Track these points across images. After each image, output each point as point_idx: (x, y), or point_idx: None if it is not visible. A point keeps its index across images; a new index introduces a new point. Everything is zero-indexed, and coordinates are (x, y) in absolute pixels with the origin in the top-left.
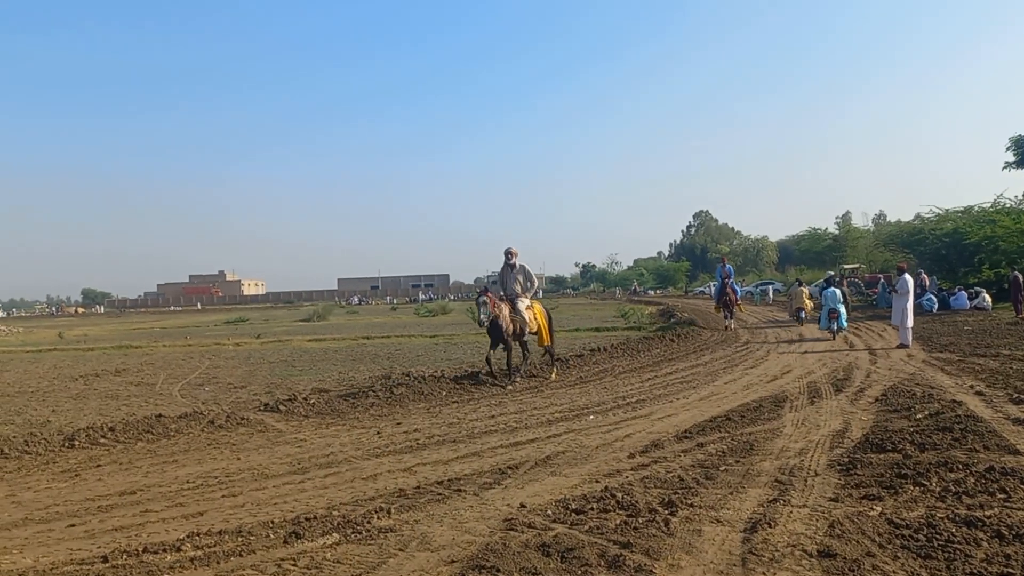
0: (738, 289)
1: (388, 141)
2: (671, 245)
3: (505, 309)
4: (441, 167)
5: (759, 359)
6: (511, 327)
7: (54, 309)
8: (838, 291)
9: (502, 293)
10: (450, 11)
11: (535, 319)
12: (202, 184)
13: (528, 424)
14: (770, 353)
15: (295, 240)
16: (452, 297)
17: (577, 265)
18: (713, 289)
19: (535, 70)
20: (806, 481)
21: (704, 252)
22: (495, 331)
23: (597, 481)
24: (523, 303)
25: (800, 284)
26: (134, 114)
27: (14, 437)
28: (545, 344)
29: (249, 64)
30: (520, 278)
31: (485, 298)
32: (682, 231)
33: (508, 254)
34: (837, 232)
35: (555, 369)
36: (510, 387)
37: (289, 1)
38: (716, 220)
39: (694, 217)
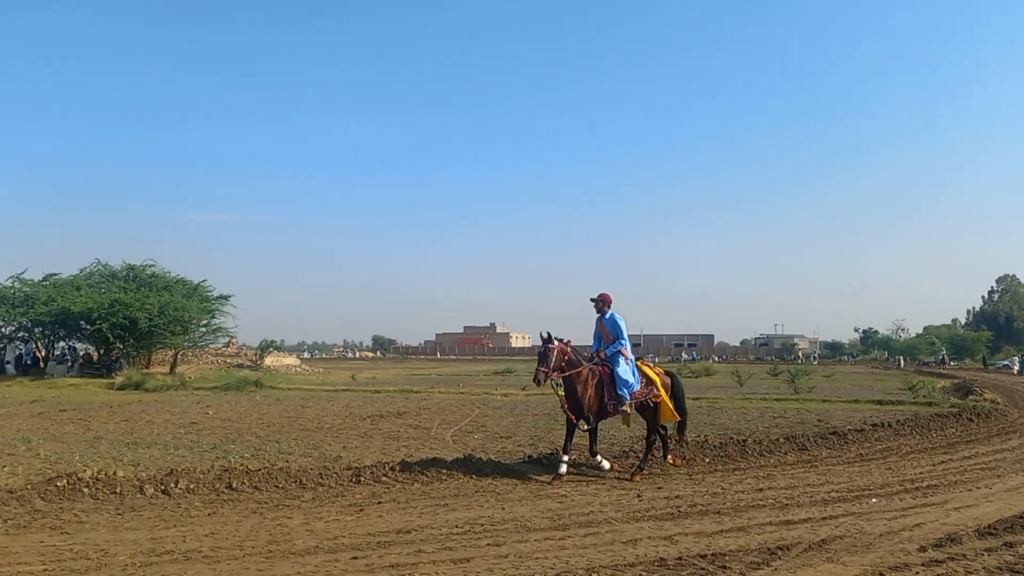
0: (630, 381)
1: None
2: (969, 312)
3: None
4: (710, 231)
5: None
6: None
7: (348, 353)
8: None
9: None
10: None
11: None
12: (476, 246)
13: (800, 502)
14: None
15: (560, 294)
16: (716, 358)
17: (856, 330)
18: (1020, 364)
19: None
20: None
21: (1009, 321)
22: None
23: (881, 574)
24: None
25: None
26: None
27: (311, 469)
28: None
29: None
30: None
31: None
32: (982, 297)
33: None
34: None
35: None
36: None
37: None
38: None
39: (997, 282)
